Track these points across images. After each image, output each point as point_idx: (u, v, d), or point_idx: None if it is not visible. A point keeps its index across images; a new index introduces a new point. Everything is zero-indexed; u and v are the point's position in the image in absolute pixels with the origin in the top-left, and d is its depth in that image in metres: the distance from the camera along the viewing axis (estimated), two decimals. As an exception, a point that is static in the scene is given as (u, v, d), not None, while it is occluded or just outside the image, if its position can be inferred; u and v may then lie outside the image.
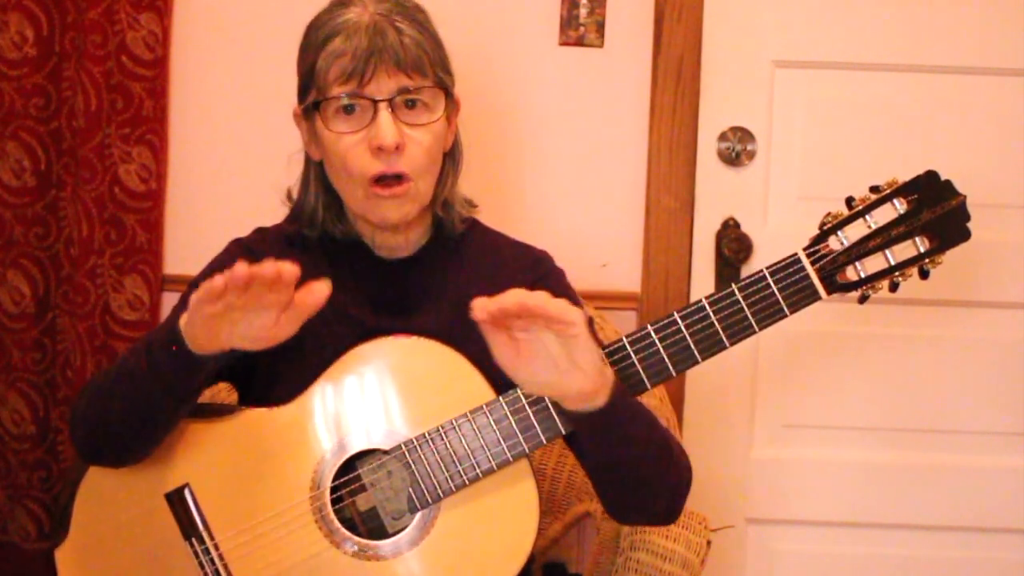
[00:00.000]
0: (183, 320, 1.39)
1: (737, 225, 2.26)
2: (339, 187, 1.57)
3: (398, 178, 1.51)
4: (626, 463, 1.44)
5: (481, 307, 1.31)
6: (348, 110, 1.51)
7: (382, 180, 1.51)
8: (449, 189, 1.63)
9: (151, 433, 1.47)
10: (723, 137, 2.25)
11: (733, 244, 2.24)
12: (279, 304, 1.35)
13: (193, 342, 1.38)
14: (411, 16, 1.54)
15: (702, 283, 2.25)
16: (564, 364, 1.34)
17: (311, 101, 1.54)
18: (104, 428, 1.47)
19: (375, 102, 1.49)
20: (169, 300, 2.16)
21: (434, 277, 1.61)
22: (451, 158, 1.63)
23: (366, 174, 1.51)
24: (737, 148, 2.25)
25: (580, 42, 2.22)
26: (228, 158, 2.24)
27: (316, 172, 1.62)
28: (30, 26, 2.16)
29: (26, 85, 2.16)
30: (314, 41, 1.54)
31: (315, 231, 1.63)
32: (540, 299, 1.31)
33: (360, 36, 1.49)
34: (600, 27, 2.22)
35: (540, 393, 1.41)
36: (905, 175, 1.45)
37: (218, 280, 1.31)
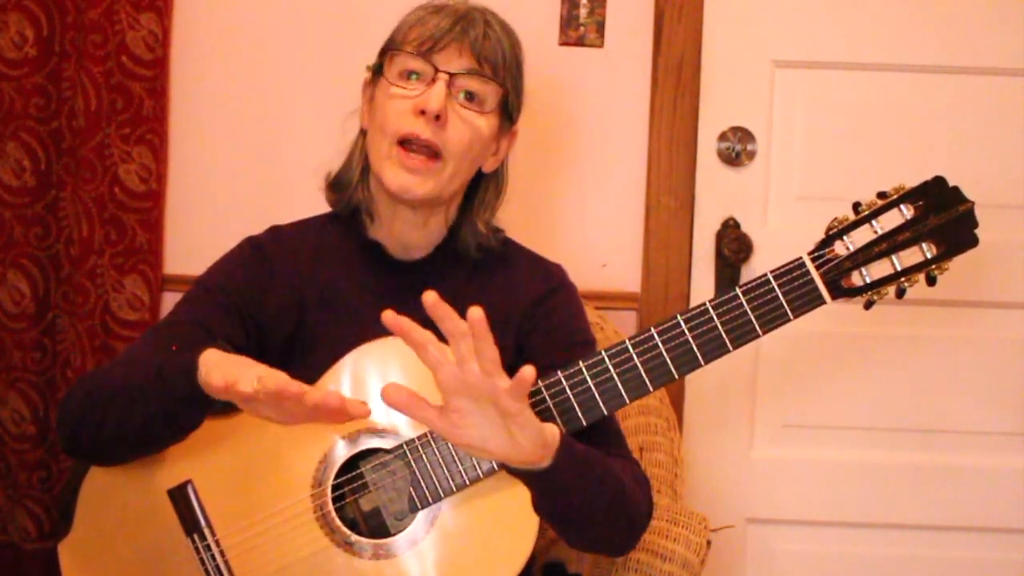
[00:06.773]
0: (205, 367, 1.35)
1: (737, 225, 2.26)
2: (370, 144, 1.58)
3: (433, 155, 1.52)
4: (575, 515, 1.43)
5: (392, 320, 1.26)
6: (410, 75, 1.54)
7: (411, 144, 1.52)
8: (480, 209, 1.64)
9: (143, 448, 1.47)
10: (723, 137, 2.25)
11: (733, 244, 2.24)
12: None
13: (207, 386, 1.34)
14: (505, 28, 1.59)
15: (702, 283, 2.26)
16: (502, 436, 1.30)
17: (381, 50, 1.57)
18: (97, 432, 1.45)
19: (437, 71, 1.52)
20: (169, 300, 2.16)
21: (445, 281, 1.60)
22: (494, 181, 1.65)
23: (399, 131, 1.52)
24: (737, 148, 2.25)
25: (580, 42, 2.22)
26: (228, 158, 2.24)
27: (363, 145, 1.63)
28: (30, 26, 2.16)
29: (26, 85, 2.16)
30: (405, 17, 1.58)
31: (344, 204, 1.63)
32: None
33: (449, 16, 1.54)
34: (600, 27, 2.22)
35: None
36: (905, 175, 1.44)
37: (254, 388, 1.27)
